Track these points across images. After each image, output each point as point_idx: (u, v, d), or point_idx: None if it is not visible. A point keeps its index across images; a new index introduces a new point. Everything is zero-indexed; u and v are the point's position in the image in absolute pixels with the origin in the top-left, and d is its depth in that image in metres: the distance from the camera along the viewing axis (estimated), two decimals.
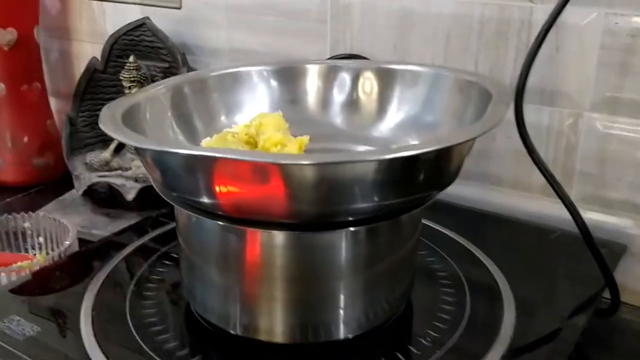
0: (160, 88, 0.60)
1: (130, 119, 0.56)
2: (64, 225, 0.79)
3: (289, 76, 0.66)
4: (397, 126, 0.64)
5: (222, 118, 0.65)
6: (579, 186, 0.70)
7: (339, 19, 0.80)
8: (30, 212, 0.82)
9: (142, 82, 0.93)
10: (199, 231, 0.50)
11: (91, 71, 0.98)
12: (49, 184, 1.02)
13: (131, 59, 0.92)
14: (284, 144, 0.60)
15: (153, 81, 0.95)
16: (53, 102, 1.10)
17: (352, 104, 0.66)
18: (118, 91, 0.95)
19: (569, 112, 0.70)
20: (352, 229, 0.46)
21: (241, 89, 0.65)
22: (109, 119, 0.51)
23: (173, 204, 0.47)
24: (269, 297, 0.47)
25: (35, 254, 0.82)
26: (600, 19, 0.64)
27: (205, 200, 0.45)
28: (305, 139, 0.62)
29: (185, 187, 0.45)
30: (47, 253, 0.80)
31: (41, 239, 0.82)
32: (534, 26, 0.68)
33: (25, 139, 1.04)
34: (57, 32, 1.02)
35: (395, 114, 0.64)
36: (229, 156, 0.43)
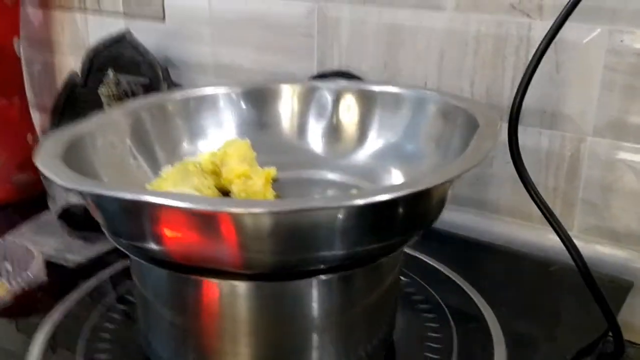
0: (117, 114, 0.56)
1: (76, 150, 0.51)
2: (30, 251, 0.73)
3: (260, 98, 0.62)
4: (378, 154, 0.60)
5: (185, 145, 0.60)
6: (582, 217, 0.66)
7: (327, 33, 0.76)
8: None
9: (122, 97, 0.87)
10: (151, 277, 0.45)
11: (70, 86, 0.93)
12: (29, 201, 0.97)
13: (110, 73, 0.86)
14: (248, 176, 0.56)
15: (134, 96, 0.89)
16: (37, 116, 1.05)
17: (330, 128, 0.62)
18: (99, 106, 0.89)
19: (571, 136, 0.65)
20: (322, 277, 0.41)
21: (206, 113, 0.61)
22: (46, 152, 0.45)
23: (120, 248, 0.42)
24: (233, 353, 0.43)
25: (2, 282, 0.75)
26: (604, 37, 0.60)
27: (151, 246, 0.41)
28: (272, 170, 0.57)
29: (128, 232, 0.41)
30: (10, 283, 0.74)
31: (8, 265, 0.76)
32: (533, 43, 0.64)
33: (4, 155, 0.99)
34: (39, 43, 0.98)
35: (376, 141, 0.61)
36: (159, 201, 0.37)
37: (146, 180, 0.58)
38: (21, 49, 1.01)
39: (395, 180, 0.59)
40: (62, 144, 0.50)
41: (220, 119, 0.61)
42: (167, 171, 0.57)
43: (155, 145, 0.60)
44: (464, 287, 0.64)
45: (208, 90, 0.61)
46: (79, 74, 0.93)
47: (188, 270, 0.41)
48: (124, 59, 0.91)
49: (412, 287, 0.62)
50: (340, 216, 0.38)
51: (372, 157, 0.59)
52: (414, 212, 0.42)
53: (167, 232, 0.39)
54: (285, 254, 0.39)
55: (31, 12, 1.06)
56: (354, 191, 0.52)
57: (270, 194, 0.55)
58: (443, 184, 0.42)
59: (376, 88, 0.61)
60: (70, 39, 0.95)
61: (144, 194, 0.40)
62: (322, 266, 0.41)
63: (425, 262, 0.66)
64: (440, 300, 0.61)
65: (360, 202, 0.38)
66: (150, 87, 0.90)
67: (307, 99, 0.62)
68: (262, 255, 0.38)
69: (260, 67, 0.87)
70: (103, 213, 0.41)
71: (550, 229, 0.58)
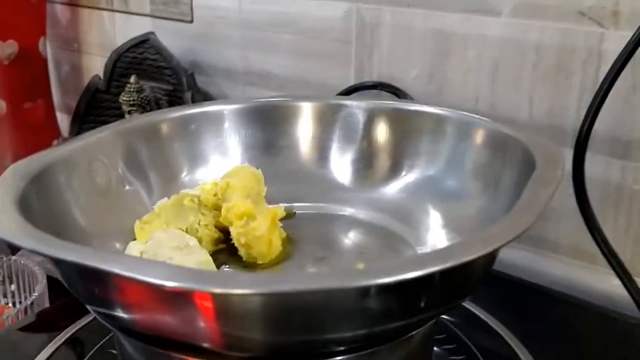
0: (105, 135, 0.50)
1: (47, 178, 0.44)
2: (34, 273, 0.66)
3: (275, 118, 0.55)
4: (413, 188, 0.52)
5: (184, 174, 0.54)
6: None
7: (366, 40, 0.68)
8: (3, 256, 0.69)
9: (144, 106, 0.80)
10: (126, 345, 0.38)
11: (92, 91, 0.86)
12: None
13: (132, 79, 0.79)
14: (252, 216, 0.47)
15: (157, 105, 0.80)
16: (65, 120, 0.97)
17: (357, 155, 0.55)
18: (122, 114, 0.81)
19: None
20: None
21: (208, 135, 0.54)
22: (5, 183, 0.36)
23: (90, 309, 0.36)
24: None
25: (7, 303, 0.68)
26: None
27: (115, 315, 0.34)
28: (279, 210, 0.49)
29: (90, 297, 0.35)
30: (15, 305, 0.69)
31: (13, 287, 0.70)
32: (605, 58, 0.55)
33: None
34: (67, 43, 0.92)
35: (411, 172, 0.53)
36: (115, 271, 0.28)
37: (142, 210, 0.51)
38: (48, 48, 0.94)
39: (433, 224, 0.50)
40: (28, 175, 0.40)
41: (225, 142, 0.55)
42: (161, 205, 0.50)
43: (151, 173, 0.53)
44: (510, 342, 0.54)
45: (211, 107, 0.54)
46: (102, 77, 0.84)
47: (163, 344, 0.34)
48: (147, 63, 0.83)
49: (446, 340, 0.51)
50: (343, 299, 0.31)
51: (406, 192, 0.52)
52: (449, 287, 0.34)
53: (128, 305, 0.33)
54: (278, 335, 0.32)
55: (59, 10, 0.99)
56: (360, 266, 0.41)
57: (277, 238, 0.47)
58: (478, 258, 0.30)
59: (414, 108, 0.53)
60: (98, 39, 0.89)
61: (90, 258, 0.30)
62: (329, 348, 0.33)
63: (466, 307, 0.55)
64: (479, 357, 0.51)
65: (366, 283, 0.28)
66: (174, 96, 0.81)
67: (331, 120, 0.55)
68: (250, 335, 0.31)
69: (292, 74, 0.79)
70: (60, 271, 0.35)
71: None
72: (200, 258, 0.43)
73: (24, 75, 0.92)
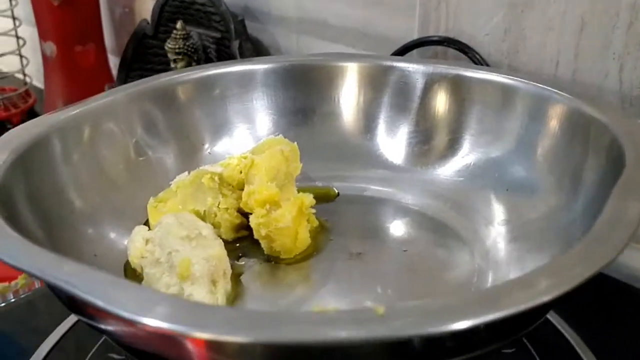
0: (116, 98, 0.45)
1: (39, 151, 0.39)
2: None
3: (316, 80, 0.49)
4: (473, 171, 0.45)
5: (206, 146, 0.48)
6: None
7: None
8: None
9: (191, 54, 0.73)
10: None
11: (140, 36, 0.79)
12: None
13: (178, 25, 0.72)
14: (276, 204, 0.40)
15: (205, 53, 0.73)
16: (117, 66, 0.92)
17: (411, 127, 0.48)
18: (169, 62, 0.74)
19: None
20: None
21: (234, 99, 0.49)
22: None
23: None
24: None
25: None
26: None
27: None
28: (308, 198, 0.42)
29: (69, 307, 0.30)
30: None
31: None
32: None
33: None
34: None
35: (472, 152, 0.46)
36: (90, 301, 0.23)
37: (157, 187, 0.45)
38: None
39: (493, 217, 0.42)
40: (17, 148, 0.35)
41: (254, 108, 0.49)
42: (179, 182, 0.44)
43: (168, 143, 0.47)
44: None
45: (238, 67, 0.48)
46: (149, 22, 0.77)
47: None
48: (195, 8, 0.75)
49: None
50: (352, 349, 0.24)
51: (465, 176, 0.45)
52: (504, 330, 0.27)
53: (106, 327, 0.27)
54: None
55: None
56: (379, 310, 0.32)
57: (304, 230, 0.41)
58: (548, 302, 0.21)
59: (480, 75, 0.46)
60: None
61: (52, 272, 0.23)
62: None
63: (560, 331, 0.44)
64: None
65: (380, 335, 0.21)
66: (222, 44, 0.73)
67: (382, 84, 0.48)
68: None
69: (350, 24, 0.70)
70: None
71: None
72: (212, 252, 0.37)
73: (74, 18, 0.88)
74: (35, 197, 0.37)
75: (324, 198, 0.47)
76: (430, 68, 0.48)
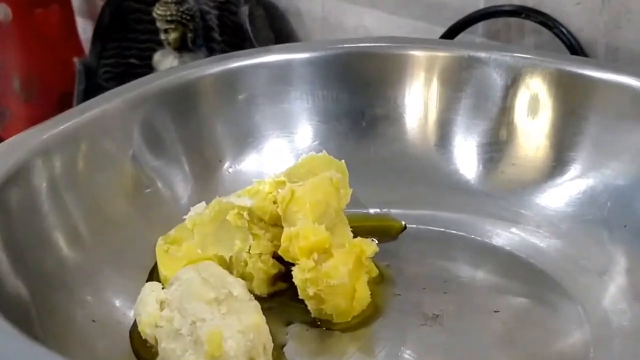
0: (112, 107, 0.45)
1: (16, 185, 0.38)
2: None
3: (370, 73, 0.49)
4: (579, 201, 0.45)
5: (226, 165, 0.48)
6: None
7: None
8: None
9: (185, 22, 0.72)
10: None
11: None
12: None
13: None
14: (326, 253, 0.40)
15: (204, 20, 0.72)
16: (89, 31, 0.92)
17: (494, 137, 0.49)
18: (157, 31, 0.74)
19: None
20: None
21: (264, 100, 0.49)
22: None
23: None
24: None
25: None
26: None
27: None
28: (368, 246, 0.41)
29: None
30: None
31: None
32: None
33: (41, 83, 0.90)
34: None
35: (580, 175, 0.46)
36: None
37: (167, 220, 0.45)
38: None
39: (611, 265, 0.42)
40: None
41: (290, 111, 0.49)
42: (195, 216, 0.43)
43: (181, 160, 0.47)
44: None
45: (270, 57, 0.49)
46: None
47: None
48: None
49: None
50: None
51: (570, 205, 0.45)
52: None
53: None
54: None
55: None
56: None
57: (364, 286, 0.40)
58: None
59: (592, 73, 0.45)
60: None
61: None
62: None
63: None
64: None
65: None
66: (227, 9, 0.72)
67: (456, 79, 0.49)
68: None
69: None
70: None
71: None
72: (248, 320, 0.36)
73: None
74: (15, 247, 0.36)
75: (383, 233, 0.46)
76: (519, 61, 0.48)
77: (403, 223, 0.47)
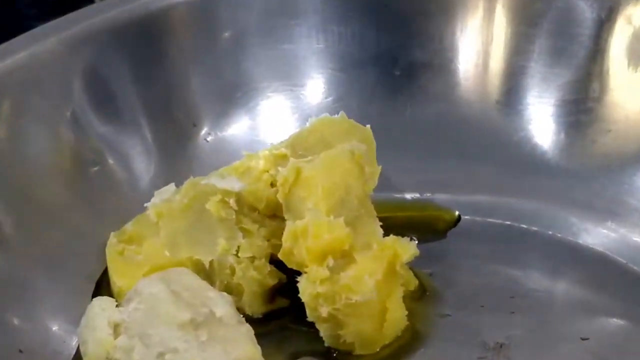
0: (46, 45, 0.46)
1: None
2: None
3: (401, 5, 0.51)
4: None
5: (204, 130, 0.50)
6: None
7: None
8: None
9: None
10: None
11: None
12: None
13: None
14: (347, 258, 0.41)
15: None
16: None
17: (578, 92, 0.50)
18: None
19: None
20: None
21: (258, 41, 0.51)
22: None
23: None
24: None
25: None
26: None
27: None
28: (404, 246, 0.42)
29: None
30: None
31: None
32: None
33: None
34: None
35: None
36: None
37: (121, 210, 0.47)
38: None
39: None
40: None
41: (294, 55, 0.51)
42: (160, 203, 0.44)
43: (138, 127, 0.49)
44: None
45: None
46: None
47: None
48: None
49: None
50: None
51: None
52: None
53: None
54: None
55: None
56: None
57: (398, 304, 0.42)
58: None
59: None
60: None
61: None
62: None
63: None
64: None
65: None
66: None
67: (526, 14, 0.51)
68: None
69: None
70: None
71: None
72: (238, 353, 0.38)
73: None
74: None
75: (426, 228, 0.48)
76: None
77: (456, 213, 0.48)
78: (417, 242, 0.43)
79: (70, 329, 0.42)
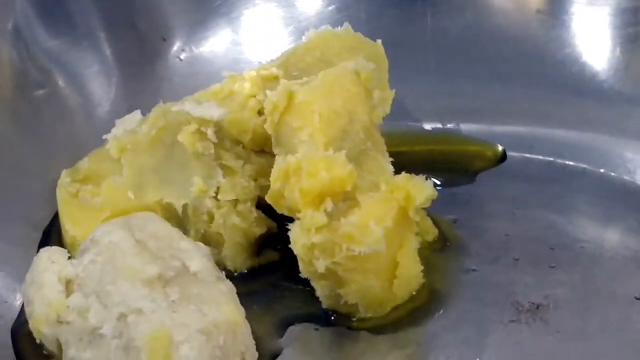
0: None
1: None
2: None
3: None
4: None
5: (176, 44, 0.51)
6: None
7: None
8: None
9: None
10: None
11: None
12: None
13: None
14: (349, 200, 0.42)
15: None
16: None
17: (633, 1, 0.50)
18: None
19: None
20: None
21: None
22: None
23: None
24: None
25: None
26: None
27: None
28: (419, 186, 0.43)
29: None
30: None
31: None
32: None
33: None
34: None
35: None
36: None
37: (79, 134, 0.48)
38: None
39: None
40: None
41: None
42: (123, 135, 0.45)
43: (97, 38, 0.49)
44: None
45: None
46: None
47: None
48: None
49: None
50: None
51: None
52: None
53: None
54: None
55: None
56: None
57: (412, 257, 0.42)
58: None
59: None
60: None
61: None
62: None
63: None
64: None
65: None
66: None
67: None
68: None
69: None
70: None
71: None
72: (217, 315, 0.38)
73: None
74: None
75: (452, 165, 0.49)
76: None
77: (500, 148, 0.49)
78: (438, 183, 0.44)
79: (12, 286, 0.43)
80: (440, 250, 0.45)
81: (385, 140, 0.45)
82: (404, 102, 0.46)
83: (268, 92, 0.44)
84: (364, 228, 0.41)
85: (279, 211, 0.43)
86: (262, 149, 0.45)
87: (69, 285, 0.40)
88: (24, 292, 0.41)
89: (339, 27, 0.46)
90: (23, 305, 0.41)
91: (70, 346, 0.39)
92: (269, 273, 0.45)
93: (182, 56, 0.47)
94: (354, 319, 0.43)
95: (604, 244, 0.45)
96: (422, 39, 0.49)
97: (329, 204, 0.41)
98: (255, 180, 0.45)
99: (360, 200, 0.42)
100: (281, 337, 0.42)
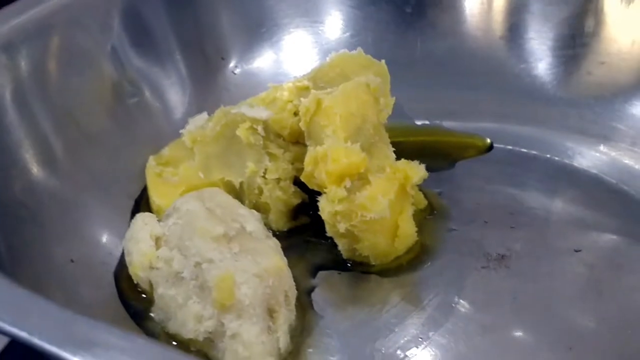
0: None
1: None
2: None
3: None
4: None
5: (232, 63, 0.51)
6: None
7: None
8: None
9: None
10: None
11: None
12: None
13: None
14: (362, 180, 0.43)
15: None
16: None
17: (576, 28, 0.51)
18: None
19: None
20: None
21: None
22: None
23: None
24: None
25: None
26: None
27: None
28: (414, 169, 0.44)
29: None
30: None
31: None
32: None
33: None
34: None
35: None
36: None
37: (161, 129, 0.48)
38: None
39: None
40: None
41: None
42: (195, 130, 0.46)
43: (171, 60, 0.49)
44: None
45: None
46: None
47: None
48: None
49: None
50: None
51: None
52: None
53: None
54: None
55: None
56: None
57: (409, 220, 0.43)
58: None
59: None
60: None
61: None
62: None
63: None
64: None
65: None
66: None
67: None
68: None
69: None
70: None
71: None
72: (267, 262, 0.39)
73: None
74: None
75: (437, 152, 0.49)
76: None
77: (488, 140, 0.49)
78: (428, 166, 0.44)
79: (115, 241, 0.43)
80: (429, 215, 0.45)
81: (388, 134, 0.45)
82: (401, 105, 0.46)
83: (302, 99, 0.44)
84: (374, 199, 0.42)
85: (310, 187, 0.44)
86: (298, 141, 0.45)
87: (158, 241, 0.41)
88: (124, 245, 0.42)
89: (354, 50, 0.46)
90: (123, 255, 0.42)
91: (159, 286, 0.40)
92: (302, 232, 0.45)
93: (237, 71, 0.48)
94: (366, 266, 0.43)
95: (551, 210, 0.46)
96: (414, 58, 0.50)
97: (347, 182, 0.42)
98: (292, 164, 0.45)
99: (371, 180, 0.42)
100: (313, 278, 0.43)
